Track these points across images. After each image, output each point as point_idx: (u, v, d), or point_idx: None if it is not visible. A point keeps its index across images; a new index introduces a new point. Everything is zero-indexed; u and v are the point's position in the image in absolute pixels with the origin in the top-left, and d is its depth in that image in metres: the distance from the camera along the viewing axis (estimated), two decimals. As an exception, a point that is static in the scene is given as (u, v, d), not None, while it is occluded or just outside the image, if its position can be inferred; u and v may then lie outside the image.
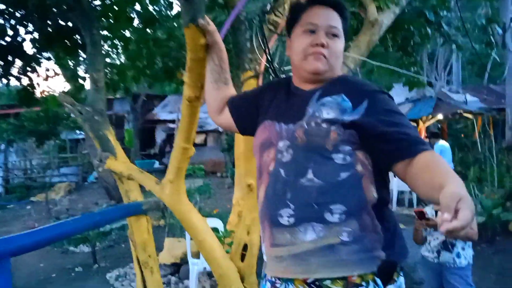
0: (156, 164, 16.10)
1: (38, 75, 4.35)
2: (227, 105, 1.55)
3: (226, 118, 1.55)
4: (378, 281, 1.15)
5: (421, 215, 2.95)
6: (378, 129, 1.16)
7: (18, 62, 4.01)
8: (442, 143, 8.69)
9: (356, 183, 1.17)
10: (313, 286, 1.17)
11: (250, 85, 2.48)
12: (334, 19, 1.29)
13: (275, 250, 1.23)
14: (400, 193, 9.09)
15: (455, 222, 0.85)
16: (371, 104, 1.20)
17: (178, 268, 5.10)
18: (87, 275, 5.49)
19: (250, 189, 2.42)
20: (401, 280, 1.23)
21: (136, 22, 4.57)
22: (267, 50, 2.41)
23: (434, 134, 9.02)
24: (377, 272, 1.15)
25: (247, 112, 1.47)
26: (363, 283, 1.14)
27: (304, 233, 1.16)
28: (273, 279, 1.28)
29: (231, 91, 1.60)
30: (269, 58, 2.47)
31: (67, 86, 5.31)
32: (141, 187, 2.53)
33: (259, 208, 1.30)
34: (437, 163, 1.10)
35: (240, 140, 2.75)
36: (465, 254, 2.89)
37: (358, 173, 1.18)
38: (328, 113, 1.19)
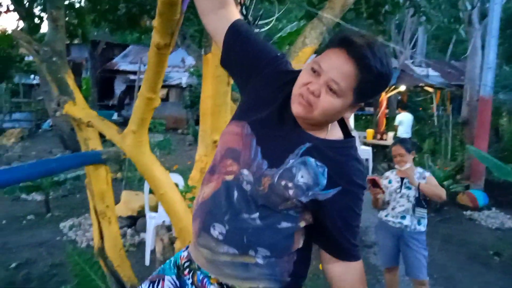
0: (115, 116, 15.64)
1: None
2: (229, 26, 1.25)
3: (218, 28, 1.28)
4: None
5: (374, 183, 3.04)
6: (332, 222, 1.18)
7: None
8: (400, 115, 9.32)
9: (290, 234, 1.20)
10: (224, 285, 1.24)
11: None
12: (343, 74, 1.06)
13: (201, 248, 1.26)
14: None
15: None
16: (342, 192, 1.15)
17: (135, 221, 5.07)
18: (39, 224, 5.36)
19: (216, 145, 2.37)
20: None
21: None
22: (241, 1, 2.30)
23: (402, 106, 9.98)
24: None
25: (240, 57, 1.27)
26: None
27: (227, 250, 1.20)
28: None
29: None
30: (244, 11, 2.37)
31: (20, 26, 4.94)
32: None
33: (200, 200, 1.28)
34: (350, 283, 1.22)
35: (207, 96, 2.68)
36: (424, 222, 3.04)
37: (297, 226, 1.20)
38: (302, 177, 1.13)
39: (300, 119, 1.16)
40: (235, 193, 1.18)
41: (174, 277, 1.35)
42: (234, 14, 1.29)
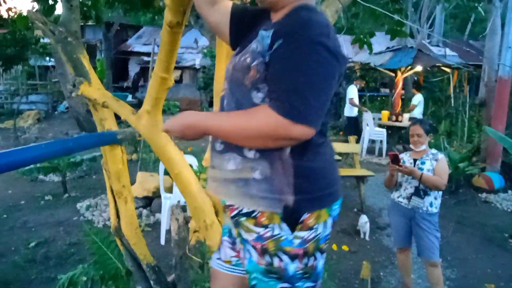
0: (129, 98, 15.70)
1: (4, -9, 4.04)
2: (230, 16, 1.40)
3: (220, 19, 1.43)
4: (284, 225, 1.21)
5: (395, 159, 3.01)
6: (272, 73, 1.13)
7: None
8: (419, 96, 9.40)
9: None
10: (233, 220, 1.31)
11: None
12: None
13: (211, 171, 1.36)
14: (371, 141, 9.27)
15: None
16: (283, 44, 1.11)
17: (150, 201, 5.14)
18: (57, 204, 5.47)
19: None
20: (321, 227, 1.25)
21: None
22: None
23: (417, 87, 10.22)
24: (282, 215, 1.20)
25: (244, 30, 1.39)
26: (270, 225, 1.22)
27: (227, 162, 1.26)
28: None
29: None
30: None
31: (35, 8, 4.96)
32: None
33: None
34: (250, 110, 1.16)
35: (221, 76, 2.66)
36: (436, 204, 3.01)
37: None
38: (256, 47, 1.19)
39: (261, 4, 1.28)
40: (225, 101, 1.31)
41: (227, 236, 1.51)
42: (228, 3, 1.44)
